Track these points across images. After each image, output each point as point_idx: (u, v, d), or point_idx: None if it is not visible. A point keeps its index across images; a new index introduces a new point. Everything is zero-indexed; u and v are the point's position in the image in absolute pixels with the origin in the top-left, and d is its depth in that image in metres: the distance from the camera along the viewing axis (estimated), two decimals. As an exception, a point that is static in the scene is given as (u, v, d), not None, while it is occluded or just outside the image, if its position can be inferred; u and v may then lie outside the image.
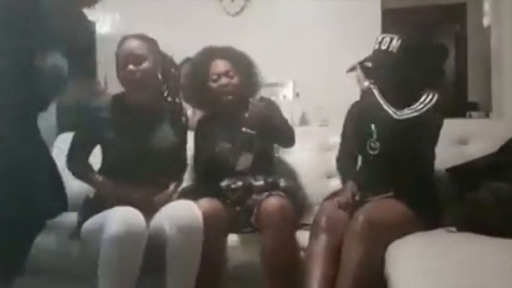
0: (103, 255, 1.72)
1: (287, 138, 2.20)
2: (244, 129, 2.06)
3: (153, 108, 2.07)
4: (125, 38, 2.06)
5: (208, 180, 2.15)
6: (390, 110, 1.88)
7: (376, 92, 1.94)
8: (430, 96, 1.91)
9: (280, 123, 2.17)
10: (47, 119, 3.36)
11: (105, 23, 4.25)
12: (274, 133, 2.16)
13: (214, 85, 2.20)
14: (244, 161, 2.08)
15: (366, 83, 1.98)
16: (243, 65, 2.23)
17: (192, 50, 3.35)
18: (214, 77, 2.20)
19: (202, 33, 3.92)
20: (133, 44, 2.01)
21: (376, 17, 3.80)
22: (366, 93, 1.99)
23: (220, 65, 2.20)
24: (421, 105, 1.90)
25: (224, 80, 2.18)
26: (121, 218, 1.75)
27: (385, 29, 3.71)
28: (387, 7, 4.00)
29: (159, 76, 2.05)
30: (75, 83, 1.84)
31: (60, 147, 2.67)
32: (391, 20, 3.90)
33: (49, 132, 3.16)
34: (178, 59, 3.12)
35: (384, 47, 1.97)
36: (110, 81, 3.83)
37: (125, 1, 4.21)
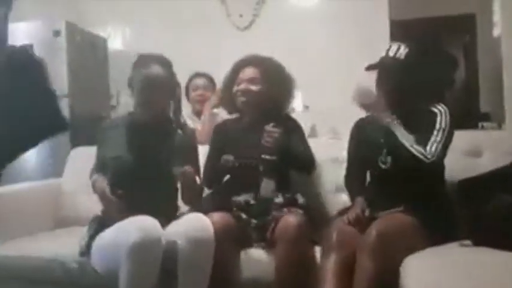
0: (124, 265, 1.72)
1: (306, 167, 2.19)
2: (263, 155, 2.03)
3: (160, 128, 2.10)
4: (143, 58, 2.09)
5: (224, 192, 2.15)
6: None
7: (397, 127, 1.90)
8: (442, 114, 1.89)
9: (299, 152, 2.13)
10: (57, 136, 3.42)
11: (116, 39, 4.29)
12: (292, 161, 2.12)
13: (235, 89, 2.23)
14: (267, 187, 2.04)
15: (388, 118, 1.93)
16: (272, 75, 2.23)
17: (201, 64, 3.40)
18: (239, 81, 2.23)
19: (212, 47, 3.99)
20: (157, 70, 2.04)
21: (385, 28, 3.80)
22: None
23: (247, 72, 2.23)
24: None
25: (243, 85, 2.20)
26: (139, 226, 1.77)
27: (393, 40, 3.73)
28: (395, 18, 4.01)
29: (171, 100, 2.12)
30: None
31: (73, 161, 2.70)
32: (399, 31, 3.91)
33: (62, 147, 3.20)
34: (187, 73, 3.18)
35: (391, 54, 1.98)
36: (122, 97, 3.89)
37: (135, 17, 4.28)
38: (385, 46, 3.58)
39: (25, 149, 1.65)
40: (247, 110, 2.25)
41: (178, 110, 2.19)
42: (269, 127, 2.03)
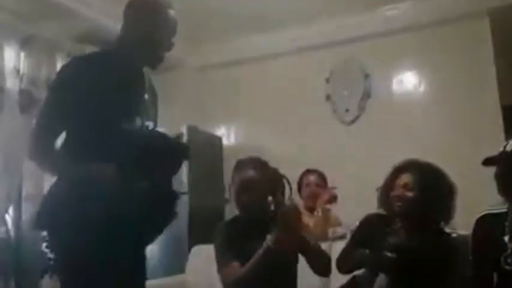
0: None
1: None
2: (385, 252, 2.07)
3: (261, 225, 2.16)
4: (240, 164, 2.23)
5: None
6: None
7: None
8: None
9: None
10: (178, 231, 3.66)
11: (229, 137, 4.62)
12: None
13: (391, 193, 2.26)
14: None
15: None
16: (426, 181, 2.21)
17: (310, 160, 3.54)
18: (396, 187, 2.25)
19: (320, 143, 4.12)
20: (251, 174, 2.17)
21: (497, 115, 3.69)
22: None
23: (403, 178, 2.25)
24: None
25: (399, 191, 2.22)
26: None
27: (508, 128, 3.61)
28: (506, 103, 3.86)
29: (269, 198, 2.17)
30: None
31: (195, 258, 2.86)
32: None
33: (182, 244, 3.41)
34: (299, 170, 3.32)
35: (509, 149, 1.96)
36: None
37: (246, 118, 4.59)
38: (498, 133, 3.52)
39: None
40: (403, 215, 2.23)
41: (280, 204, 2.22)
42: (397, 226, 2.12)
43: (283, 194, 2.28)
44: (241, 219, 2.24)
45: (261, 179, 2.18)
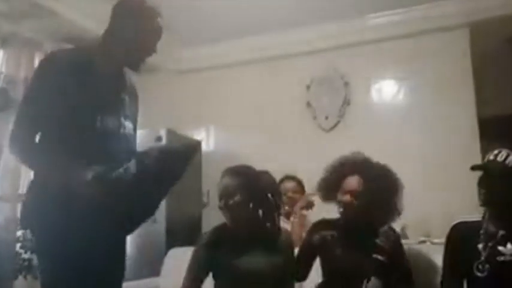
0: None
1: (409, 277, 2.19)
2: (375, 255, 2.08)
3: (251, 235, 2.17)
4: (223, 173, 2.23)
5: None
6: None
7: None
8: None
9: (401, 263, 2.17)
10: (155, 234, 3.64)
11: (209, 142, 4.62)
12: (394, 271, 2.12)
13: (339, 195, 2.24)
14: (374, 286, 2.05)
15: None
16: (373, 187, 2.18)
17: (289, 166, 3.54)
18: (343, 192, 2.22)
19: (299, 149, 4.15)
20: (226, 181, 2.18)
21: (474, 126, 3.75)
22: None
23: (350, 182, 2.22)
24: None
25: (345, 197, 2.20)
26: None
27: (483, 138, 3.68)
28: (483, 115, 3.93)
29: (250, 205, 2.15)
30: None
31: (171, 261, 2.86)
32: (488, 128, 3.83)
33: (158, 247, 3.40)
34: (277, 177, 3.32)
35: (500, 159, 2.02)
36: (212, 196, 4.10)
37: (227, 123, 4.60)
38: (476, 143, 3.57)
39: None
40: (346, 220, 2.24)
41: (271, 214, 2.21)
42: (387, 229, 2.13)
43: (272, 207, 2.23)
44: (228, 229, 2.20)
45: (240, 186, 2.15)
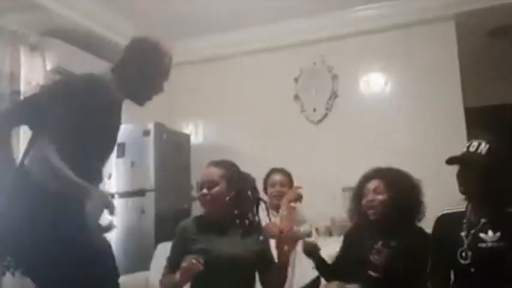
0: None
1: None
2: (369, 271, 2.13)
3: (225, 225, 2.23)
4: (208, 164, 2.29)
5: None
6: None
7: None
8: None
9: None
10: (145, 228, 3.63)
11: (198, 135, 4.60)
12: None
13: (363, 200, 2.31)
14: None
15: None
16: (395, 183, 2.28)
17: (276, 158, 3.55)
18: (366, 193, 2.31)
19: (287, 142, 4.16)
20: (208, 171, 2.23)
21: (460, 116, 3.79)
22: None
23: (372, 184, 2.31)
24: None
25: (371, 196, 2.28)
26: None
27: (469, 128, 3.71)
28: (469, 105, 3.96)
29: (231, 195, 2.20)
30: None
31: (160, 255, 2.84)
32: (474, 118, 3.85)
33: (147, 241, 3.38)
34: (266, 169, 3.33)
35: (472, 150, 2.03)
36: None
37: (215, 116, 4.59)
38: (462, 134, 3.60)
39: None
40: (378, 221, 2.27)
41: (247, 210, 2.27)
42: (379, 246, 2.13)
43: (251, 203, 2.31)
44: (205, 218, 2.26)
45: (222, 177, 2.21)
